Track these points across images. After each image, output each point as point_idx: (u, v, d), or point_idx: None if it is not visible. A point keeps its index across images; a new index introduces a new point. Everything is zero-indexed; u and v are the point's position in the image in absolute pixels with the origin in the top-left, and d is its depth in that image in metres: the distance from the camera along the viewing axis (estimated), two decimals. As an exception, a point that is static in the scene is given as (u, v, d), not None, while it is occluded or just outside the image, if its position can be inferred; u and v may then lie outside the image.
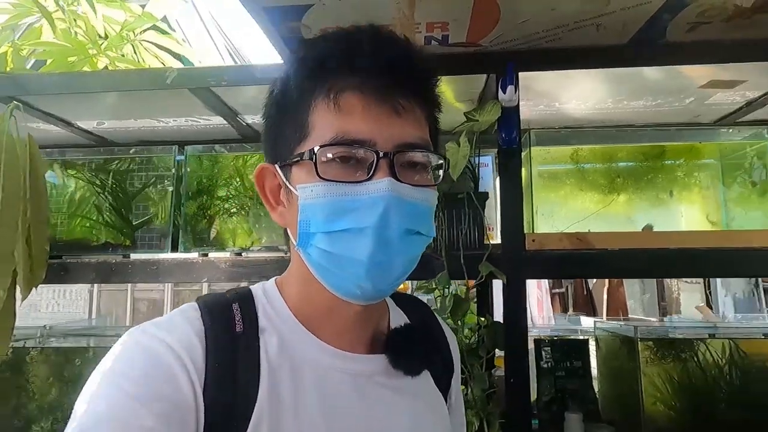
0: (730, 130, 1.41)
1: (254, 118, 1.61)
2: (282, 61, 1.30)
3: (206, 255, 1.29)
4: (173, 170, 1.34)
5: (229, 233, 1.38)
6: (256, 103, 1.55)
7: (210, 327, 0.58)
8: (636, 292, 5.11)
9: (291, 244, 0.64)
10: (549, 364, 1.46)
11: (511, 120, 1.21)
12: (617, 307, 4.58)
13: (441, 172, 0.63)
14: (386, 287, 0.60)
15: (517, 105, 1.22)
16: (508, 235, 1.19)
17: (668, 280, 4.69)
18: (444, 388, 0.72)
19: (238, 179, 1.36)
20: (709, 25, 1.13)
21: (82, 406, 0.51)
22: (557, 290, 5.40)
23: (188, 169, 1.35)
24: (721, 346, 1.30)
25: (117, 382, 0.52)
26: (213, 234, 1.38)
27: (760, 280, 5.39)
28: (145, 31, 2.02)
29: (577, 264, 1.19)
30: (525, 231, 1.20)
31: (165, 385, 0.52)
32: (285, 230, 0.65)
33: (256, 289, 0.66)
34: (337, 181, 0.56)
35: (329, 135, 0.57)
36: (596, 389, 1.49)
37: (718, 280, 5.14)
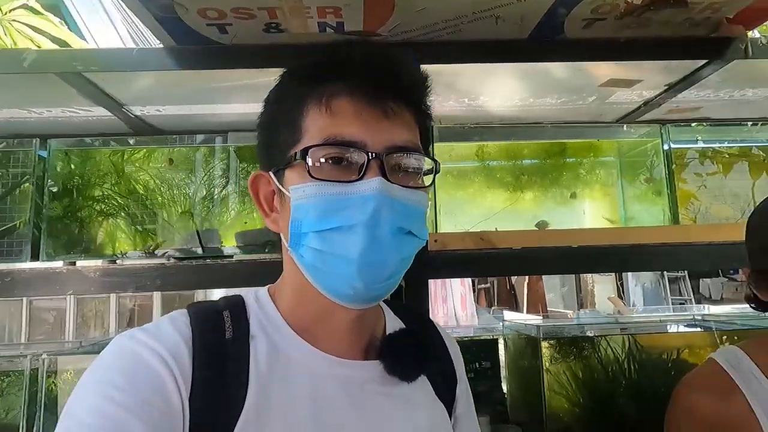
0: (626, 128, 1.44)
1: (143, 109, 1.46)
2: (162, 45, 1.17)
3: (74, 263, 1.13)
4: (33, 167, 1.17)
5: (108, 237, 1.22)
6: (149, 95, 1.43)
7: (199, 333, 0.58)
8: (555, 285, 5.33)
9: (284, 249, 0.64)
10: (458, 366, 1.43)
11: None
12: (537, 301, 4.75)
13: (432, 175, 0.65)
14: (379, 287, 0.59)
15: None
16: (410, 235, 1.13)
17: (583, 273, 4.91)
18: (447, 399, 0.71)
19: (115, 177, 1.21)
20: (604, 21, 1.13)
21: (69, 417, 0.51)
22: (483, 286, 5.53)
23: (53, 166, 1.18)
24: (621, 342, 1.32)
25: (105, 392, 0.51)
26: (100, 238, 1.22)
27: (664, 272, 5.80)
28: (13, 10, 1.78)
29: (480, 264, 1.16)
30: (428, 231, 1.15)
31: (153, 394, 0.52)
32: (279, 238, 0.66)
33: (248, 296, 0.67)
34: (328, 181, 0.58)
35: (321, 137, 0.58)
36: (505, 390, 1.48)
37: (629, 273, 5.47)
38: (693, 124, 1.47)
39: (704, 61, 1.30)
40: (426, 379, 0.69)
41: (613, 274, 5.10)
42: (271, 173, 0.64)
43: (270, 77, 1.35)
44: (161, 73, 1.23)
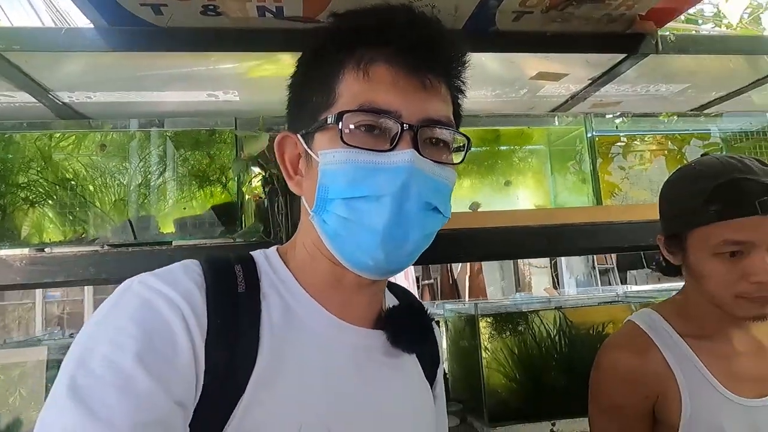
0: (556, 118, 1.53)
1: (72, 96, 1.39)
2: (93, 27, 1.12)
3: (-5, 253, 1.07)
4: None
5: (35, 227, 1.16)
6: (79, 80, 1.37)
7: (212, 283, 0.56)
8: (496, 280, 5.52)
9: (303, 211, 0.63)
10: (401, 349, 1.46)
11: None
12: (478, 293, 4.91)
13: (463, 153, 0.64)
14: (399, 261, 0.59)
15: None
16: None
17: (521, 265, 5.13)
18: (430, 379, 0.72)
19: (42, 163, 1.15)
20: (531, 15, 1.20)
21: (78, 363, 0.48)
22: (426, 282, 5.65)
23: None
24: (552, 318, 1.40)
25: (116, 339, 0.49)
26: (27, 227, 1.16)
27: (596, 263, 6.16)
28: None
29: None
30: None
31: (165, 344, 0.50)
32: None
33: (257, 255, 0.65)
34: (360, 148, 0.56)
35: (356, 103, 0.57)
36: (447, 370, 1.53)
37: (563, 264, 5.76)
38: (614, 114, 1.58)
39: (622, 56, 1.41)
40: (416, 358, 0.69)
41: (549, 267, 5.35)
42: (299, 135, 0.62)
43: (207, 65, 1.35)
44: (92, 57, 1.18)
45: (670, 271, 0.97)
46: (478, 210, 1.36)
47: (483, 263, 5.13)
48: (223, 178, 1.22)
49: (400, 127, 0.56)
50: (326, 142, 0.59)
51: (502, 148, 1.46)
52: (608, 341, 0.96)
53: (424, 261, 1.24)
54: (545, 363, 1.38)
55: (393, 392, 0.63)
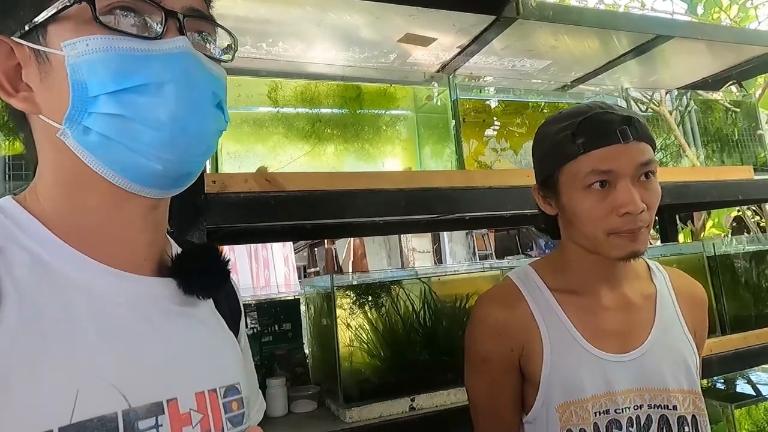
0: (423, 77, 1.46)
1: None
2: None
3: None
4: None
5: None
6: None
7: None
8: (383, 265, 5.54)
9: (42, 139, 0.52)
10: (254, 330, 1.31)
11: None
12: (362, 278, 4.86)
13: (231, 53, 0.58)
14: (192, 162, 0.52)
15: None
16: (182, 175, 0.97)
17: (405, 250, 5.19)
18: (234, 331, 0.66)
19: None
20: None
21: None
22: (313, 269, 5.51)
23: None
24: (417, 290, 1.34)
25: None
26: None
27: (476, 249, 6.47)
28: None
29: (268, 208, 1.05)
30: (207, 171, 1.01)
31: None
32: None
33: None
34: (122, 33, 0.48)
35: None
36: (308, 353, 1.41)
37: (447, 249, 5.96)
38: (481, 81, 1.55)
39: (488, 23, 1.39)
40: (214, 307, 0.63)
41: (432, 252, 5.49)
42: (14, 38, 0.50)
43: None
44: None
45: (546, 228, 0.97)
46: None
47: (367, 248, 5.10)
48: None
49: (164, 13, 0.49)
50: (70, 30, 0.48)
51: (369, 111, 1.36)
52: (482, 295, 0.95)
53: (274, 219, 1.10)
54: (408, 337, 1.32)
55: (190, 343, 0.56)
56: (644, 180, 0.82)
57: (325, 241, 5.54)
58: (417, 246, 5.24)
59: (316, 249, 6.13)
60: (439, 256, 5.56)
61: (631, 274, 0.93)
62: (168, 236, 0.63)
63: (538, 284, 0.92)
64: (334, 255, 5.44)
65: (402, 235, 5.13)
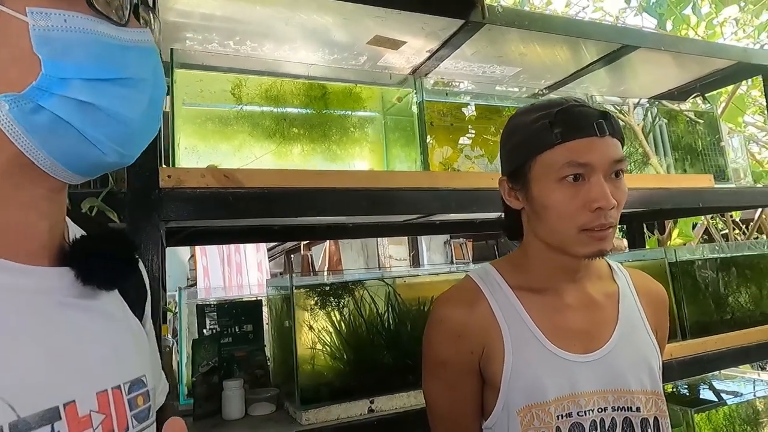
0: (390, 78, 1.46)
1: None
2: None
3: None
4: None
5: None
6: None
7: None
8: (361, 271, 5.50)
9: None
10: (213, 330, 1.28)
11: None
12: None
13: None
14: (137, 154, 0.52)
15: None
16: (136, 169, 0.95)
17: (381, 255, 5.17)
18: (139, 314, 0.63)
19: None
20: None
21: None
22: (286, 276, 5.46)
23: None
24: (382, 293, 1.33)
25: None
26: None
27: (454, 258, 6.48)
28: None
29: (227, 205, 1.03)
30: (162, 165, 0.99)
31: None
32: None
33: None
34: (106, 18, 0.46)
35: None
36: (269, 355, 1.39)
37: (425, 258, 5.96)
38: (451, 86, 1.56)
39: (457, 27, 1.40)
40: (118, 292, 0.59)
41: (409, 258, 5.48)
42: None
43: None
44: None
45: (511, 231, 0.94)
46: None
47: (345, 255, 5.08)
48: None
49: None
50: None
51: (334, 112, 1.35)
52: (441, 295, 0.91)
53: (233, 215, 1.08)
54: (371, 339, 1.30)
55: (90, 338, 0.51)
56: (614, 178, 0.81)
57: (302, 247, 5.50)
58: (394, 254, 5.23)
59: (292, 255, 6.08)
60: (417, 265, 5.55)
61: (594, 272, 0.91)
62: (67, 218, 0.57)
63: (499, 282, 0.88)
64: (310, 261, 5.40)
65: (379, 243, 5.12)
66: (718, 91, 2.53)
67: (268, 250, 5.70)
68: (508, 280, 0.89)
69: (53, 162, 0.47)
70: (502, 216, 0.97)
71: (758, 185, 2.45)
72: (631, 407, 0.83)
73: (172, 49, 1.10)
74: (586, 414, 0.81)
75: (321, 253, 5.21)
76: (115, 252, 0.55)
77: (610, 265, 0.97)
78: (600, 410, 0.82)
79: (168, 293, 1.51)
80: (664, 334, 0.98)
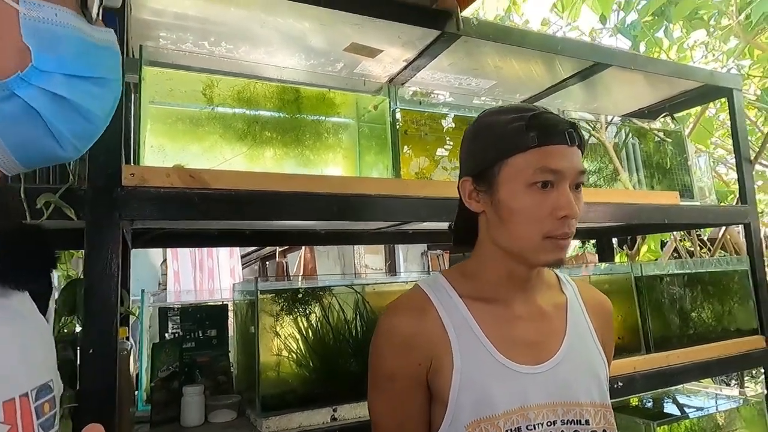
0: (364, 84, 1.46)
1: None
2: None
3: None
4: None
5: None
6: None
7: None
8: (334, 278, 5.46)
9: None
10: (175, 334, 1.25)
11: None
12: (312, 293, 4.79)
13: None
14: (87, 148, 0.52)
15: (123, 7, 0.99)
16: (98, 166, 0.93)
17: (357, 264, 5.15)
18: (42, 309, 0.59)
19: None
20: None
21: None
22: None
23: None
24: (350, 299, 1.31)
25: None
26: None
27: (431, 268, 6.48)
28: None
29: (192, 206, 1.01)
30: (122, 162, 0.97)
31: None
32: None
33: None
34: (81, 14, 0.47)
35: None
36: (233, 361, 1.36)
37: (402, 268, 5.95)
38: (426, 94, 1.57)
39: (433, 37, 1.41)
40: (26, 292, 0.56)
41: (385, 268, 5.47)
42: None
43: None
44: None
45: (462, 238, 0.93)
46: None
47: (321, 263, 5.04)
48: None
49: None
50: None
51: (307, 116, 1.34)
52: (389, 305, 0.88)
53: (200, 217, 1.06)
54: (337, 347, 1.29)
55: (9, 340, 0.48)
56: (575, 190, 0.81)
57: (277, 254, 5.45)
58: (370, 263, 5.22)
59: (267, 262, 6.02)
60: (393, 275, 5.55)
61: (544, 283, 0.91)
62: None
63: (449, 291, 0.86)
64: (285, 268, 5.35)
65: (355, 252, 5.10)
66: (687, 111, 2.60)
67: (243, 256, 5.63)
68: (457, 288, 0.87)
69: (3, 150, 0.46)
70: (452, 225, 0.96)
71: (722, 204, 2.53)
72: (580, 420, 0.82)
73: (141, 46, 1.08)
74: (535, 428, 0.79)
75: (296, 260, 5.17)
76: (31, 250, 0.53)
77: (558, 276, 0.97)
78: (549, 424, 0.80)
79: (132, 297, 1.47)
80: (611, 347, 0.97)
